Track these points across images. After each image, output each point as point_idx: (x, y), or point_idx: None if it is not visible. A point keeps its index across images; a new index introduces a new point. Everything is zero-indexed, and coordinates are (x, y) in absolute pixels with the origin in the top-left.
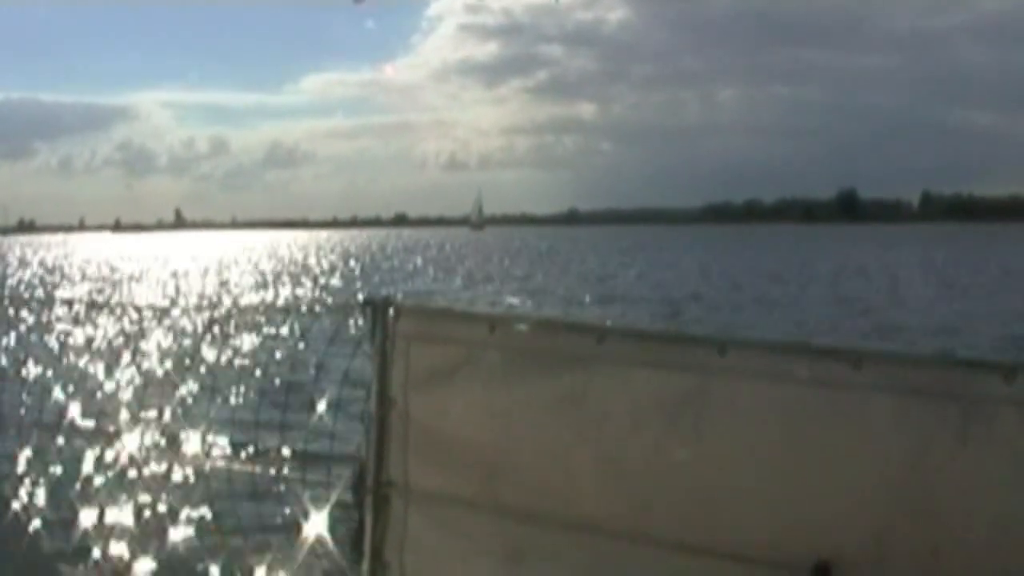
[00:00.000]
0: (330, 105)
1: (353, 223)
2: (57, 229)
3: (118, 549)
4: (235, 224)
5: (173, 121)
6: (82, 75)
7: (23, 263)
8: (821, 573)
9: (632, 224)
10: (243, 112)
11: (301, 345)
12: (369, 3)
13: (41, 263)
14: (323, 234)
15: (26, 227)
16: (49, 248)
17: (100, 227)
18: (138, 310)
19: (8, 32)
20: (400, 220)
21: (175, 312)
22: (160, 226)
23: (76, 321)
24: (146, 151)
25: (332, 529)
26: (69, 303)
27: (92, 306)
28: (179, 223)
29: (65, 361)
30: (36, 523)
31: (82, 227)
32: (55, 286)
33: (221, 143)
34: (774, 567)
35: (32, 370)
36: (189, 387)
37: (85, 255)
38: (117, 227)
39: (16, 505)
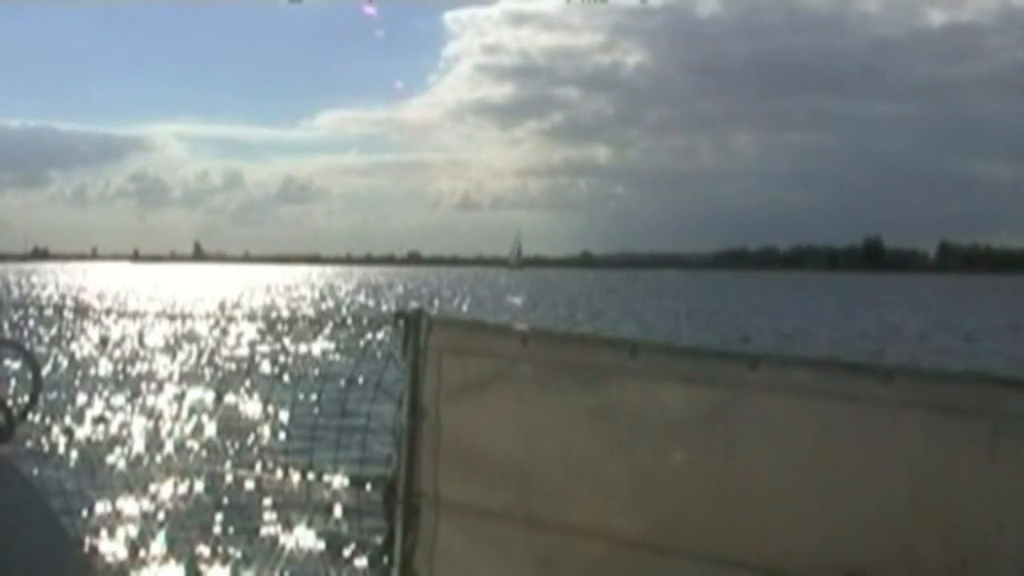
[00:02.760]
0: (345, 142)
1: (368, 260)
2: (70, 258)
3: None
4: (248, 258)
5: (187, 153)
6: (98, 105)
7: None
8: None
9: (645, 268)
10: (258, 146)
11: (336, 356)
12: (386, 41)
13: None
14: (354, 270)
15: (40, 255)
16: (76, 275)
17: (113, 257)
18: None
19: (27, 60)
20: (414, 258)
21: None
22: (175, 257)
23: None
24: (160, 183)
25: (363, 540)
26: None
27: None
28: (198, 255)
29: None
30: None
31: (95, 256)
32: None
33: (235, 176)
34: None
35: None
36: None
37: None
38: (135, 257)
39: None
